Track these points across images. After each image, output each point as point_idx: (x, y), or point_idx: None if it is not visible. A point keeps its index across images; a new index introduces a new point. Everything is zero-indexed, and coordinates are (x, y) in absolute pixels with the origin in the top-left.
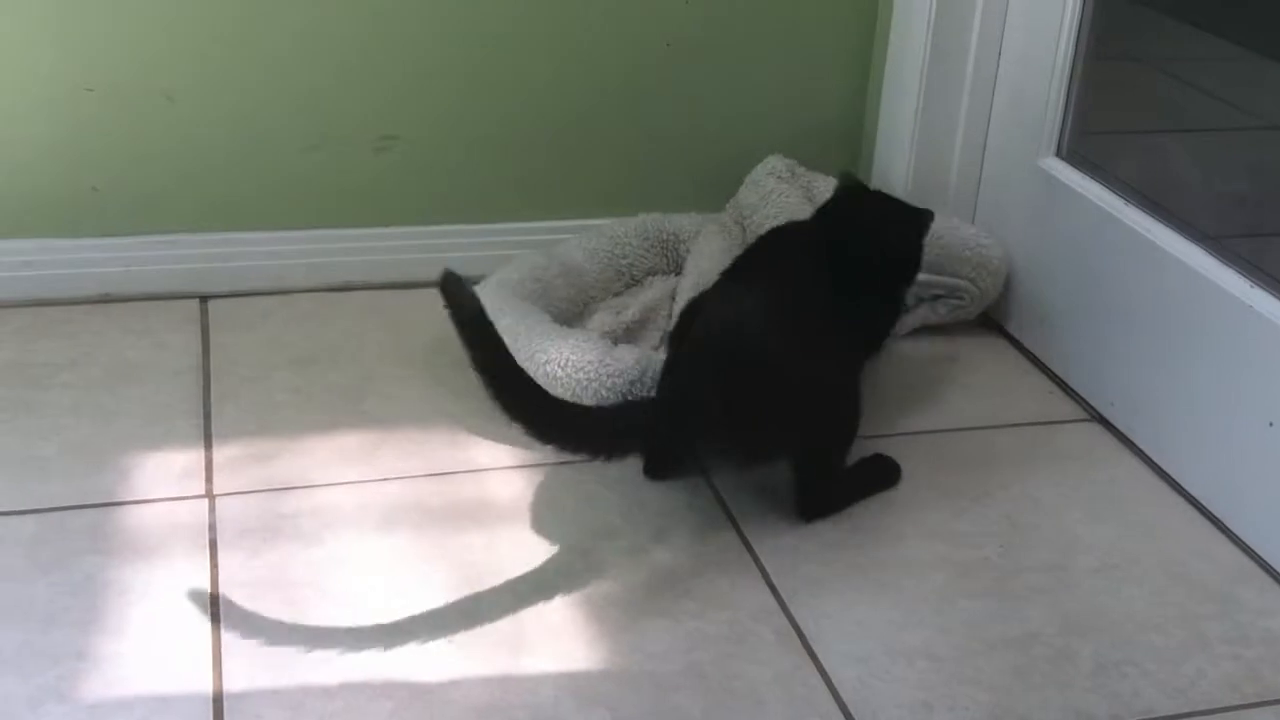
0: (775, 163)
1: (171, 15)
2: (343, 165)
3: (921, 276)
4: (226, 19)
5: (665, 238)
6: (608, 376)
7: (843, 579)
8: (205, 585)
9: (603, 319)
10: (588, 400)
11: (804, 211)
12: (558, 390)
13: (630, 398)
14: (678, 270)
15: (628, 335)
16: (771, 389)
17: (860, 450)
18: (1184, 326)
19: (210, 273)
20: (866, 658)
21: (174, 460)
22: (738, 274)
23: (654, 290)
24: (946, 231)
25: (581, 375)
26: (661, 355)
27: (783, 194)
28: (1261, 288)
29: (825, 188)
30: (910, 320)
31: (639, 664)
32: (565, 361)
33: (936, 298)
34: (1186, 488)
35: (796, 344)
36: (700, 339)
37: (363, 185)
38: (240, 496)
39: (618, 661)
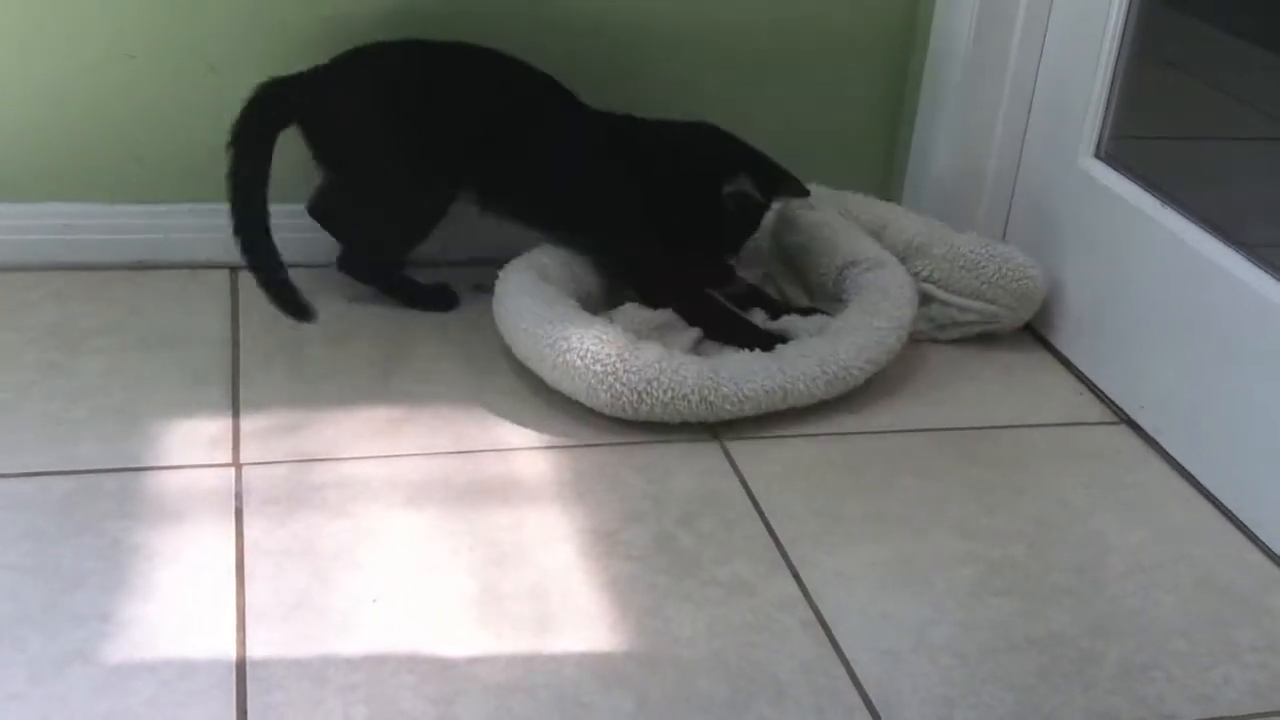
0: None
1: None
2: None
3: (956, 300)
4: None
5: None
6: (624, 372)
7: (869, 571)
8: (230, 553)
9: (632, 312)
10: (602, 395)
11: (851, 233)
12: (574, 381)
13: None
14: None
15: (656, 333)
16: None
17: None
18: (1218, 332)
19: None
20: (890, 651)
21: (203, 428)
22: None
23: None
24: (989, 258)
25: (600, 368)
26: (688, 357)
27: (825, 225)
28: None
29: (858, 206)
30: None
31: (662, 648)
32: (585, 352)
33: (952, 322)
34: (1215, 494)
35: None
36: None
37: None
38: (267, 466)
39: (641, 645)
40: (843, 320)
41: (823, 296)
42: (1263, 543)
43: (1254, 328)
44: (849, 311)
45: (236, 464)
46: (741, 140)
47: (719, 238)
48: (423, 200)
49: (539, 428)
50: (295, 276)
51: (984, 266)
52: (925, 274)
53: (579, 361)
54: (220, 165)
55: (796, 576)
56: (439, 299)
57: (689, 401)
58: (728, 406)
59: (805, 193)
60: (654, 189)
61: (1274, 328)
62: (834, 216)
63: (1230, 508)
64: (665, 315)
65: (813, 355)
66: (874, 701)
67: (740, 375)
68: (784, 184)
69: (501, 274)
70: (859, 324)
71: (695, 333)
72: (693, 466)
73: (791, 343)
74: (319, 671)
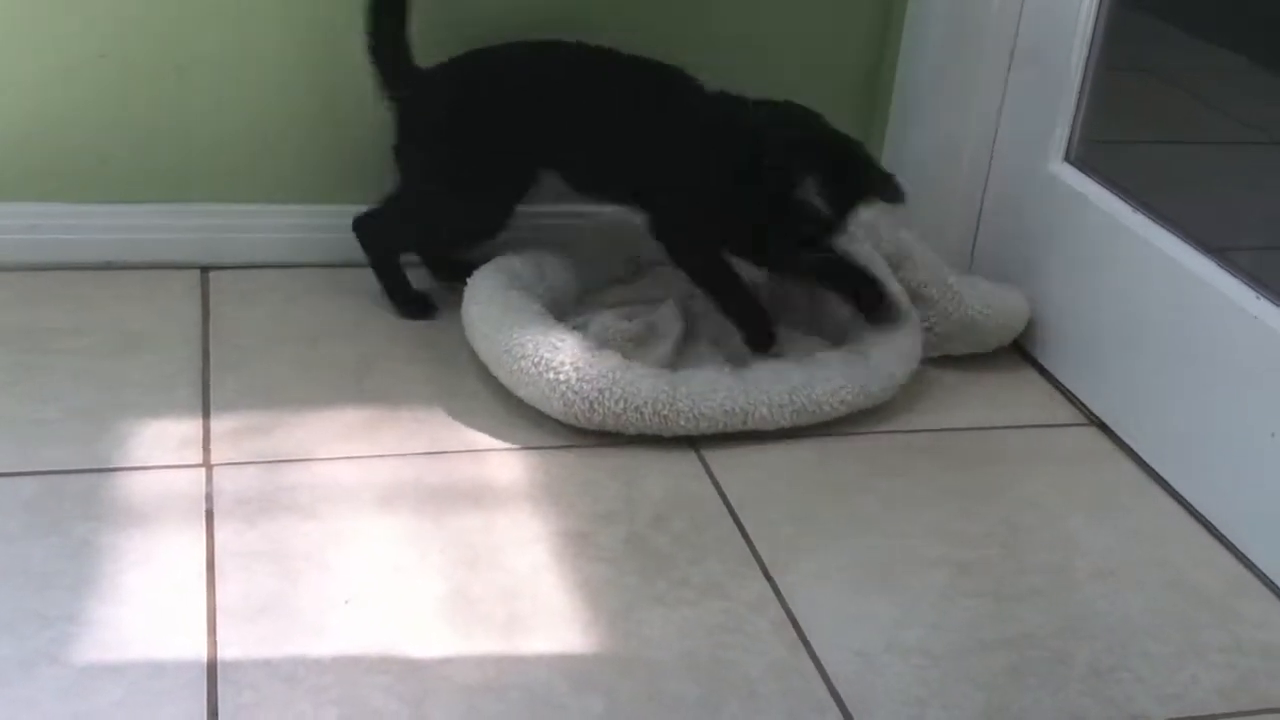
0: None
1: None
2: (351, 142)
3: (952, 348)
4: None
5: None
6: (577, 381)
7: (841, 572)
8: (201, 554)
9: (608, 321)
10: (555, 402)
11: (872, 265)
12: (529, 388)
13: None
14: None
15: (630, 345)
16: None
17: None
18: (1188, 336)
19: (214, 244)
20: (863, 651)
21: (172, 429)
22: None
23: (668, 308)
24: (995, 315)
25: (553, 375)
26: (642, 370)
27: (848, 251)
28: (1267, 299)
29: (883, 229)
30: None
31: (634, 649)
32: (539, 359)
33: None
34: (1185, 496)
35: None
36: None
37: (371, 163)
38: (238, 467)
39: (613, 646)
40: (829, 354)
41: (831, 322)
42: (1231, 544)
43: (1223, 331)
44: (844, 349)
45: (207, 465)
46: (826, 128)
47: (782, 235)
48: (489, 206)
49: (512, 430)
50: (277, 276)
51: (986, 325)
52: (928, 324)
53: (532, 368)
54: (190, 165)
55: (769, 578)
56: (418, 307)
57: (641, 414)
58: (682, 422)
59: (900, 196)
60: (732, 172)
61: (1243, 332)
62: (861, 245)
63: (1200, 510)
64: (640, 326)
65: (784, 383)
66: (846, 702)
67: (699, 393)
68: (874, 185)
69: (470, 279)
70: (853, 360)
71: (671, 346)
72: (666, 469)
73: (768, 365)
74: (290, 672)
